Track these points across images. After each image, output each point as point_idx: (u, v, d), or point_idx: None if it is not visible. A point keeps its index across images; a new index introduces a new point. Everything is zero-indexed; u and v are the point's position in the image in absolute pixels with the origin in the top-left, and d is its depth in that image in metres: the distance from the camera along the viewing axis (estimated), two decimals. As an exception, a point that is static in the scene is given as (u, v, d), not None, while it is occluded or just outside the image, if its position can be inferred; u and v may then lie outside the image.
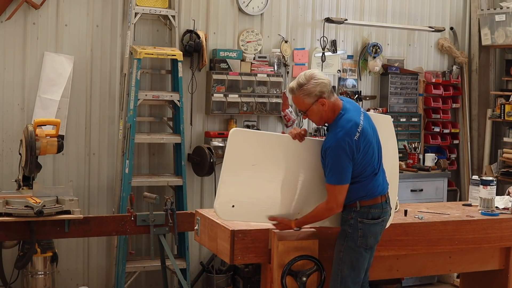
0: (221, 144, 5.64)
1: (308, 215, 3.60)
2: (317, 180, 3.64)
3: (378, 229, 3.62)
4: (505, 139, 6.63)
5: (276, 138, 3.70)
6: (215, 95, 5.59)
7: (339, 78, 6.29)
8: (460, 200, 6.67)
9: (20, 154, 4.70)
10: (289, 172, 3.62)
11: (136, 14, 5.24)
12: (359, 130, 3.49)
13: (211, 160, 5.34)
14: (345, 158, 3.42)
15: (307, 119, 4.31)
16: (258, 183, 3.56)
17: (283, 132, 5.85)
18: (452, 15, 6.83)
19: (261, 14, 5.89)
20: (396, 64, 6.49)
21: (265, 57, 5.83)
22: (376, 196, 3.60)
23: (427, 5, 6.69)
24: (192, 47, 5.45)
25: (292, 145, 3.61)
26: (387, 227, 3.76)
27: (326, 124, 3.67)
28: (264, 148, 3.57)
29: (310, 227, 3.72)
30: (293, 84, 3.57)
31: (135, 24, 5.27)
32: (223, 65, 5.62)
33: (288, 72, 6.00)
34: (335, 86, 6.26)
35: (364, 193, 3.57)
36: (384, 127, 3.80)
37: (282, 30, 6.00)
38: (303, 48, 6.09)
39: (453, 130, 6.79)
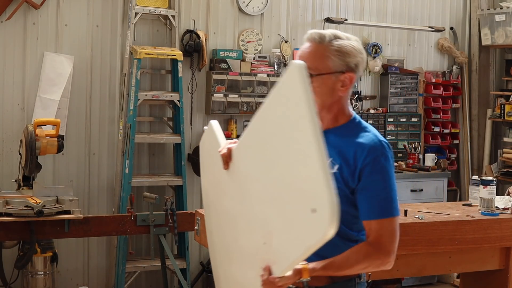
0: (221, 144, 5.63)
1: (337, 260, 2.22)
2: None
3: None
4: (505, 139, 6.63)
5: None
6: (215, 95, 5.59)
7: (339, 78, 6.29)
8: (460, 200, 6.67)
9: (20, 154, 4.70)
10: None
11: (136, 14, 5.24)
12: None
13: (211, 160, 5.33)
14: (393, 173, 2.27)
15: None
16: None
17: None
18: (452, 15, 6.83)
19: (261, 14, 5.90)
20: (396, 64, 6.49)
21: (265, 57, 5.83)
22: None
23: (427, 5, 6.69)
24: (192, 47, 5.45)
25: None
26: None
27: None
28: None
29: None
30: (323, 31, 2.31)
31: (135, 24, 5.27)
32: (223, 65, 5.62)
33: (288, 72, 6.00)
34: (335, 86, 6.26)
35: None
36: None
37: (282, 30, 6.00)
38: (303, 48, 6.08)
39: (453, 130, 6.79)
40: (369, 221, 2.22)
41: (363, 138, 2.25)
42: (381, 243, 2.21)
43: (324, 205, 1.86)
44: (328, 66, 2.24)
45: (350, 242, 2.26)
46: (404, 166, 6.26)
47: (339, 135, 2.29)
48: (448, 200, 6.32)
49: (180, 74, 5.28)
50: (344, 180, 2.22)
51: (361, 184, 2.21)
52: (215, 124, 2.51)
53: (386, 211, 2.21)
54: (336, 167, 2.23)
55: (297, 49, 6.05)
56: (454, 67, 6.76)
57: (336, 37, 2.26)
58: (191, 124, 5.62)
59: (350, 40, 2.27)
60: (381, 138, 2.26)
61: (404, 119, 6.49)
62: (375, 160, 2.20)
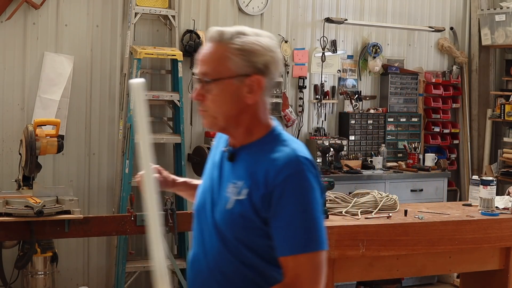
0: (221, 144, 5.63)
1: None
2: None
3: None
4: (505, 139, 6.63)
5: None
6: (215, 95, 5.58)
7: (339, 78, 6.29)
8: (460, 200, 6.67)
9: (20, 154, 4.69)
10: None
11: (136, 14, 5.23)
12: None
13: (211, 160, 5.32)
14: (319, 194, 1.83)
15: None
16: None
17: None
18: (452, 15, 6.83)
19: (261, 14, 5.89)
20: (396, 64, 6.49)
21: (265, 57, 5.82)
22: None
23: (427, 5, 6.69)
24: (192, 47, 5.45)
25: None
26: None
27: (225, 148, 2.00)
28: None
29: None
30: (225, 28, 1.90)
31: (135, 24, 5.27)
32: (223, 65, 5.61)
33: (288, 72, 6.00)
34: (334, 86, 6.27)
35: None
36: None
37: (282, 30, 6.00)
38: (303, 48, 6.09)
39: (453, 130, 6.79)
40: (285, 257, 1.77)
41: (278, 153, 1.80)
42: (298, 285, 1.75)
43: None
44: (229, 68, 1.83)
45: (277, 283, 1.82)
46: (404, 166, 6.26)
47: (252, 153, 1.87)
48: (448, 200, 6.32)
49: (180, 74, 5.28)
50: (254, 208, 1.80)
51: (272, 210, 1.78)
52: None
53: (303, 245, 1.75)
54: (244, 192, 1.82)
55: (297, 49, 6.05)
56: (454, 67, 6.76)
57: (240, 34, 1.84)
58: (191, 124, 5.62)
59: (259, 36, 1.86)
60: (301, 153, 1.82)
61: (404, 119, 6.49)
62: (287, 180, 1.75)
